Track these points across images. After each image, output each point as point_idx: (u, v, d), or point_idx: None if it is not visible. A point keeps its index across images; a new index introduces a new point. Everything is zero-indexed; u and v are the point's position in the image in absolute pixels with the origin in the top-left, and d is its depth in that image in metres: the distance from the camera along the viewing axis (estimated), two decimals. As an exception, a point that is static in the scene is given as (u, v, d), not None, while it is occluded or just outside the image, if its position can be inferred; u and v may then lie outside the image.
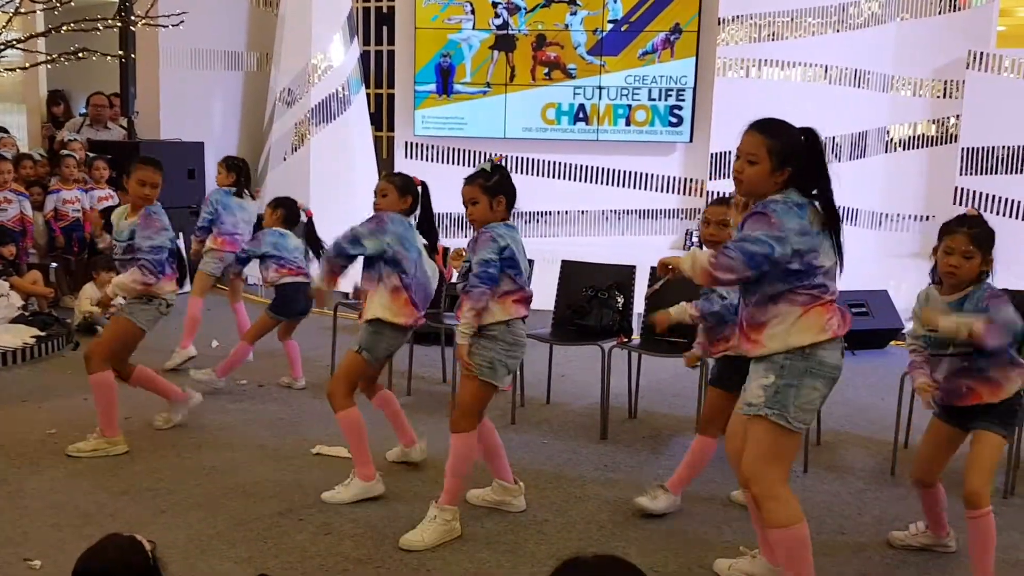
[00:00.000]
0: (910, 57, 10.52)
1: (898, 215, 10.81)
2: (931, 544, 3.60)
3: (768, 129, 2.85)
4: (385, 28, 11.98)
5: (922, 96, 10.67)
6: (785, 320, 2.81)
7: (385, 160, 11.75)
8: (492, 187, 3.58)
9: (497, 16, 10.98)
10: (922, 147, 10.77)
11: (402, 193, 4.17)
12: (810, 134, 2.88)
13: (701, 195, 10.89)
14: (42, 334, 6.31)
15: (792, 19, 10.45)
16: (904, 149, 10.78)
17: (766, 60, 10.52)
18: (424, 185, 4.27)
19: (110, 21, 7.02)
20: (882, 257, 10.34)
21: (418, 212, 4.21)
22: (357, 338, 3.99)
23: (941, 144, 10.68)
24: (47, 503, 3.88)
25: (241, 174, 6.32)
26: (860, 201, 10.64)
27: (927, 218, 10.80)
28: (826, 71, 10.49)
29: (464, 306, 3.55)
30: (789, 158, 2.82)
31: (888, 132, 10.75)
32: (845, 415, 5.27)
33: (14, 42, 6.68)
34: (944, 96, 10.61)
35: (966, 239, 3.13)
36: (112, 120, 9.37)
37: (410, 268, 3.96)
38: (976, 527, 3.17)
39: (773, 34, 10.49)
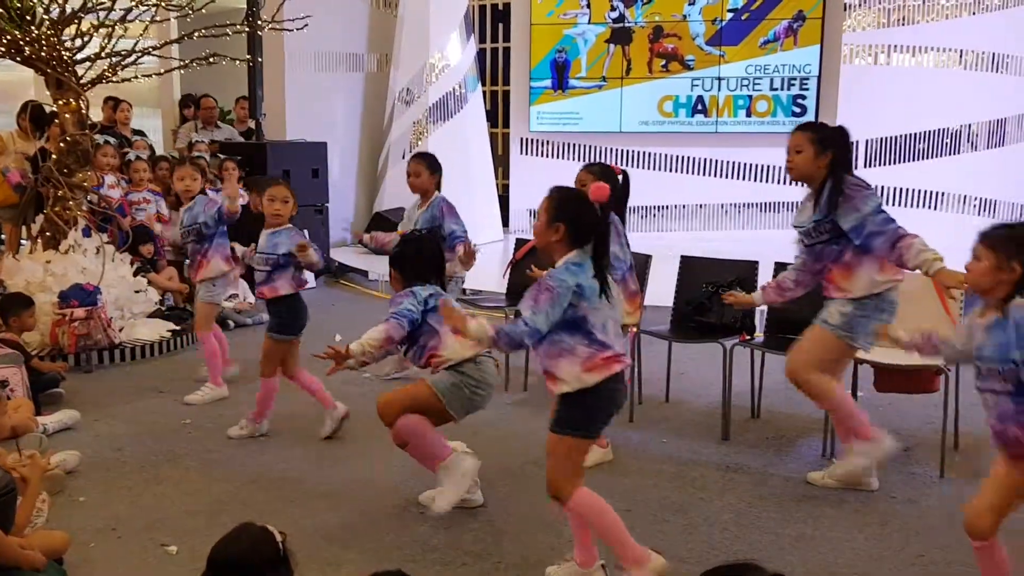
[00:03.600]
0: (1056, 38, 9.89)
1: (1041, 207, 10.18)
2: None
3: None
4: (501, 25, 12.06)
5: (1069, 79, 10.01)
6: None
7: (501, 157, 11.82)
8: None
9: (613, 9, 10.88)
10: (1069, 134, 10.11)
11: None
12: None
13: (825, 187, 10.51)
14: (177, 328, 6.60)
15: (924, 2, 9.97)
16: (1049, 136, 10.13)
17: (896, 46, 10.07)
18: (625, 174, 4.37)
19: (238, 26, 7.25)
20: (1024, 251, 9.75)
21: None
22: None
23: (1090, 130, 10.00)
24: (182, 490, 4.04)
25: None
26: (999, 192, 10.06)
27: (1073, 209, 10.13)
28: (961, 56, 9.96)
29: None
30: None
31: (1031, 119, 10.13)
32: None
33: (150, 49, 6.98)
34: (1093, 79, 9.92)
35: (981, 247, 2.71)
36: (241, 122, 9.74)
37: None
38: None
39: (903, 18, 10.03)
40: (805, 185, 3.93)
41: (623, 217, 4.35)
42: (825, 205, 3.80)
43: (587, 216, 3.01)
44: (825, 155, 3.82)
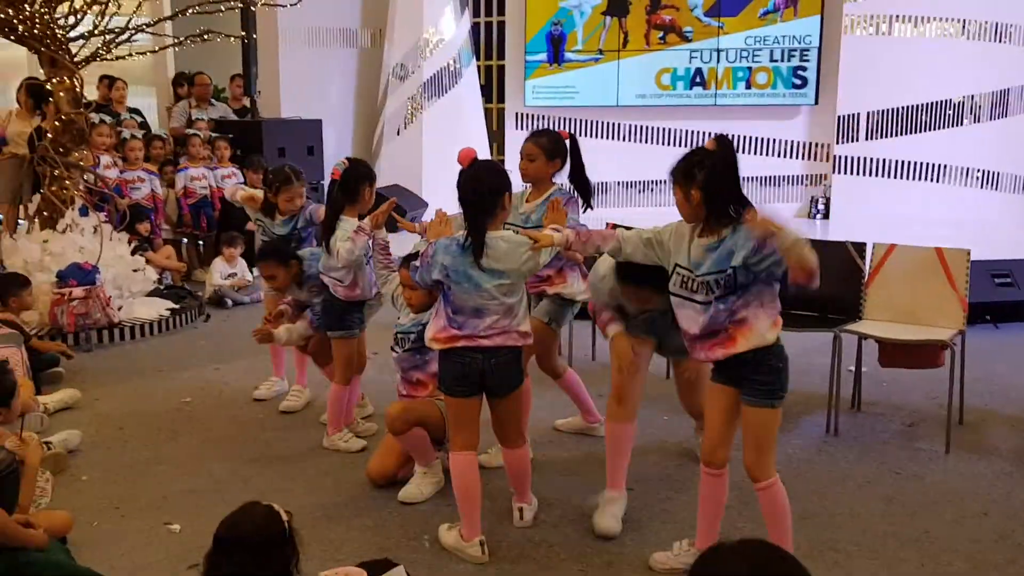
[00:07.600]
0: (1058, 7, 9.80)
1: (1044, 178, 10.14)
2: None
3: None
4: (496, -1, 11.92)
5: (1071, 49, 9.93)
6: None
7: (496, 132, 11.74)
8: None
9: (610, -19, 10.76)
10: (1072, 104, 10.04)
11: (551, 156, 3.90)
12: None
13: (827, 160, 10.46)
14: (175, 307, 6.57)
15: (925, -29, 9.88)
16: (1051, 107, 10.06)
17: (897, 16, 9.98)
18: (573, 138, 3.98)
19: (232, 3, 7.17)
20: (1027, 224, 9.73)
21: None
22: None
23: (1092, 100, 9.94)
24: (184, 470, 4.03)
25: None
26: (1002, 164, 10.01)
27: (1075, 181, 10.10)
28: (964, 26, 9.88)
29: None
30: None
31: (1032, 90, 10.06)
32: (989, 392, 4.98)
33: (144, 26, 6.91)
34: (1096, 48, 9.85)
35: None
36: (235, 100, 9.65)
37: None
38: (764, 498, 3.06)
39: (905, -12, 9.94)
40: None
41: (583, 182, 3.94)
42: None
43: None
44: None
